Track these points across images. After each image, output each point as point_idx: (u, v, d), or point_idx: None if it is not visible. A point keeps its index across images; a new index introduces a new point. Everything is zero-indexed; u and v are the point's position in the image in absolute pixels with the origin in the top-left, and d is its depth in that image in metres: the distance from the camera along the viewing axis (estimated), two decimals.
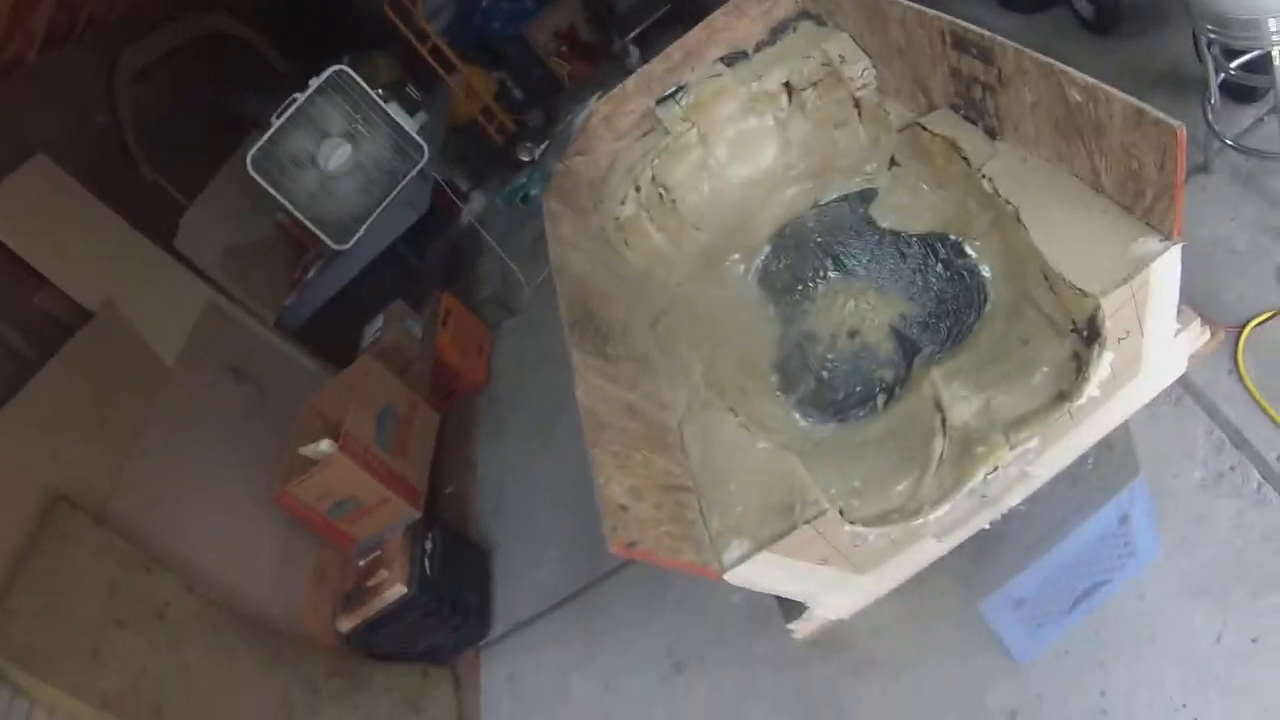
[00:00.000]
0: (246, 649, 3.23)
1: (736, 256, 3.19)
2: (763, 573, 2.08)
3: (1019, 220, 2.16)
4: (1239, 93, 3.04)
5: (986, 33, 2.26)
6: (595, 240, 3.17)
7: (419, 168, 4.99)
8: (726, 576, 2.03)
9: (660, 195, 3.37)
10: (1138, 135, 1.81)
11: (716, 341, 2.89)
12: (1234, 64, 2.83)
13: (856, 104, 3.19)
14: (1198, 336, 2.13)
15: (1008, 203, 2.22)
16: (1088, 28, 3.91)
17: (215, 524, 3.60)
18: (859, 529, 2.11)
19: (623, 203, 3.27)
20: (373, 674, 3.47)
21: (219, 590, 3.32)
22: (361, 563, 3.58)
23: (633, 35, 7.18)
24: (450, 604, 3.57)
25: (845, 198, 3.14)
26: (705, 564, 2.04)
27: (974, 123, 2.54)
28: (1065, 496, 2.31)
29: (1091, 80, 1.91)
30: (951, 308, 2.60)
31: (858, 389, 2.63)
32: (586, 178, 3.45)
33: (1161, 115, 1.71)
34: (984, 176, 2.35)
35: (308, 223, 4.61)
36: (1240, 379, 2.78)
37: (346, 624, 3.38)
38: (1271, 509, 2.58)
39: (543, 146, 3.56)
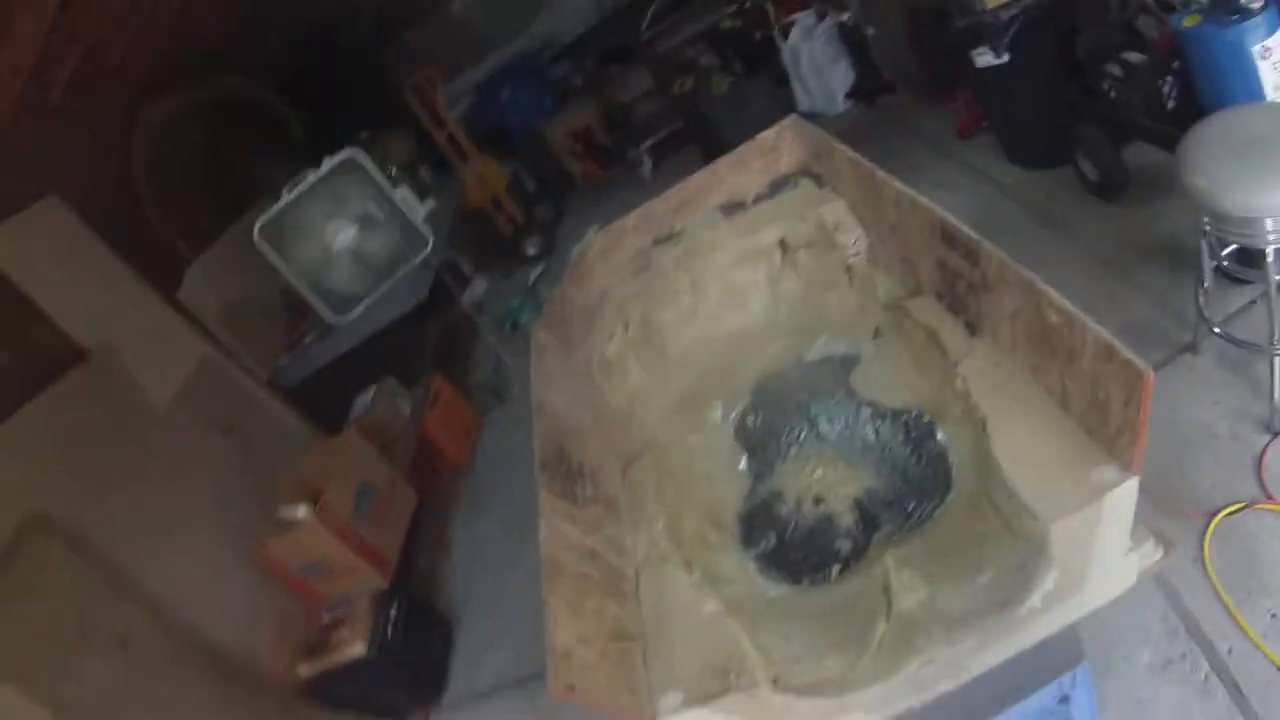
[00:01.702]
0: (204, 685, 3.39)
1: (716, 404, 3.24)
2: None
3: (984, 429, 2.22)
4: (1232, 277, 3.12)
5: (975, 235, 2.34)
6: (578, 375, 3.22)
7: (421, 257, 5.09)
8: None
9: (648, 336, 3.42)
10: (1108, 369, 1.87)
11: (685, 489, 2.93)
12: (1225, 252, 2.91)
13: (848, 270, 3.27)
14: (1149, 556, 2.16)
15: (976, 407, 2.28)
16: (1093, 192, 4.01)
17: (188, 564, 3.74)
18: (790, 699, 2.13)
19: (610, 340, 3.33)
20: None
21: (184, 625, 3.46)
22: (327, 618, 3.69)
23: (647, 145, 7.35)
24: (407, 668, 3.67)
25: (829, 360, 3.20)
26: (639, 711, 2.10)
27: (956, 314, 2.62)
28: (1006, 673, 2.32)
29: (1069, 307, 1.97)
30: (916, 490, 2.64)
31: (814, 556, 2.67)
32: (578, 308, 3.51)
33: (1132, 356, 1.77)
34: (958, 374, 2.41)
35: (308, 293, 4.70)
36: (1204, 568, 2.82)
37: (306, 670, 3.50)
38: (1215, 700, 2.62)
39: (538, 270, 3.61)
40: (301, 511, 3.70)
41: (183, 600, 3.56)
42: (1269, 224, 2.57)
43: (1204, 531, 2.88)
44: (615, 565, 2.54)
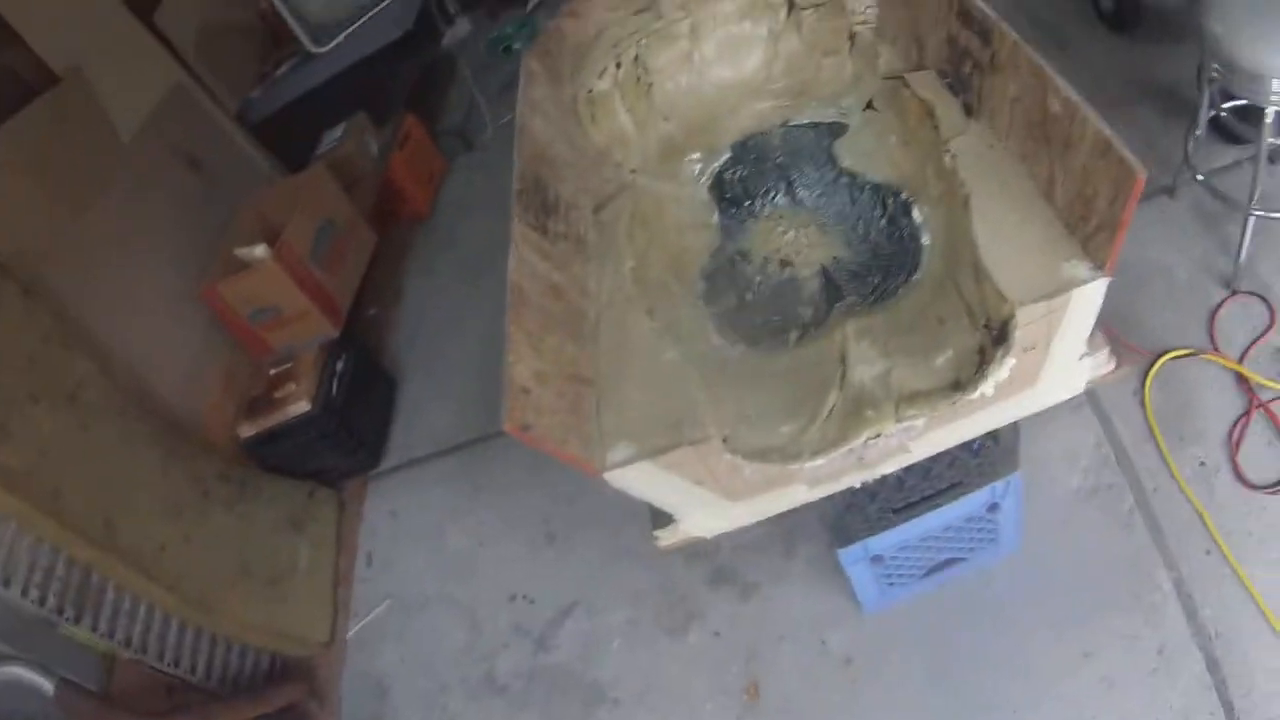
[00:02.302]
0: (149, 442, 3.28)
1: (695, 156, 3.17)
2: (639, 480, 2.15)
3: (966, 205, 2.19)
4: (1225, 132, 3.06)
5: (993, 14, 2.24)
6: (564, 109, 3.12)
7: None
8: (605, 476, 2.10)
9: (638, 77, 3.31)
10: (1100, 164, 1.83)
11: (654, 236, 2.90)
12: (1226, 105, 2.84)
13: (851, 37, 3.15)
14: (1101, 366, 2.19)
15: (962, 184, 2.24)
16: (1104, 20, 3.88)
17: (140, 309, 3.62)
18: (737, 460, 2.17)
19: (599, 76, 3.21)
20: (261, 485, 3.53)
21: (132, 378, 3.36)
22: (273, 372, 3.63)
23: None
24: (349, 429, 3.61)
25: (815, 126, 3.12)
26: (588, 460, 2.09)
27: (955, 94, 2.53)
28: (941, 474, 2.39)
29: (1076, 97, 1.90)
30: (884, 265, 2.63)
31: (775, 319, 2.67)
32: (572, 42, 3.37)
33: (1128, 155, 1.72)
34: (948, 151, 2.36)
35: (289, 17, 4.46)
36: (1142, 404, 2.88)
37: (247, 430, 3.46)
38: (1134, 534, 2.72)
39: (531, 6, 3.44)
40: (260, 250, 3.55)
41: (132, 352, 3.47)
42: (1275, 84, 2.49)
43: (1148, 370, 2.93)
44: (578, 305, 2.52)
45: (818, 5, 3.25)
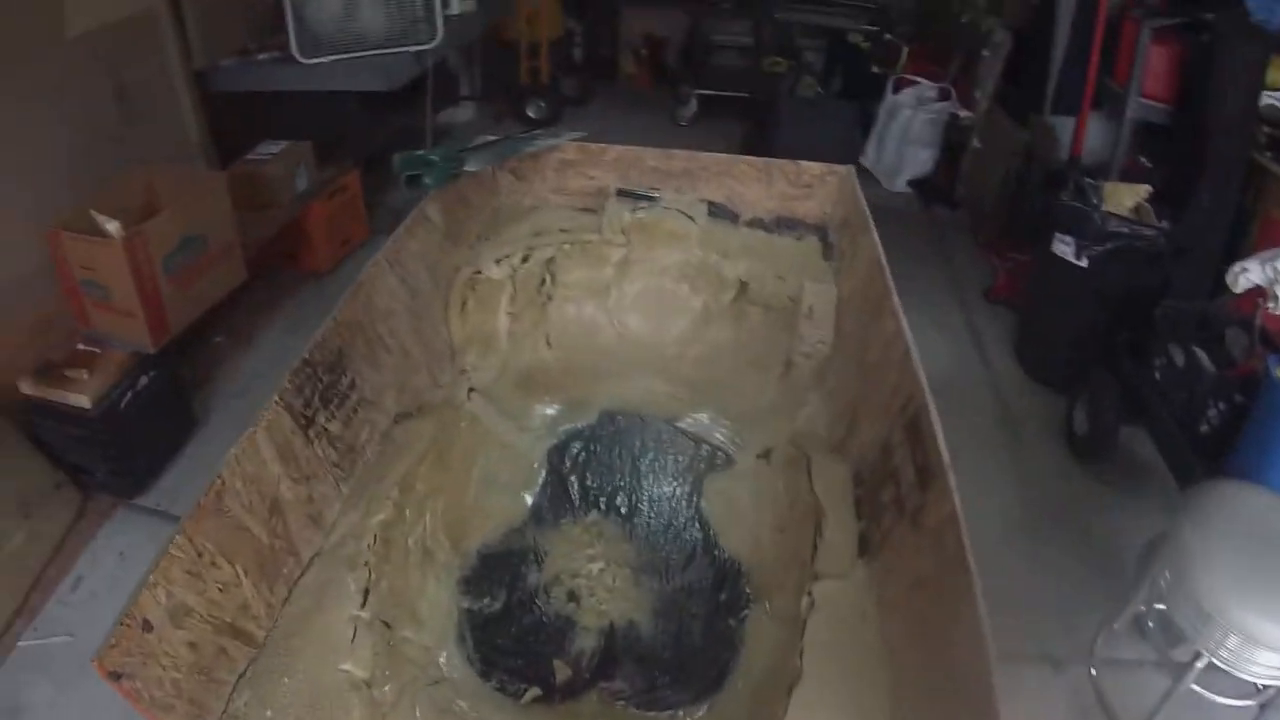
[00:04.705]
0: None
1: (554, 407, 2.63)
2: None
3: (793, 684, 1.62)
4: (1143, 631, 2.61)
5: (945, 457, 1.68)
6: (438, 279, 2.54)
7: (418, 48, 4.41)
8: None
9: (542, 282, 2.77)
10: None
11: (451, 481, 2.27)
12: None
13: (788, 364, 2.66)
14: None
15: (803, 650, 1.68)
16: (1067, 437, 3.67)
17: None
18: None
19: (498, 262, 2.65)
20: (14, 452, 3.09)
21: None
22: (81, 346, 3.19)
23: (703, 92, 6.75)
24: (121, 447, 3.18)
25: (698, 443, 2.59)
26: None
27: (860, 516, 2.00)
28: None
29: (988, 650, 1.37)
30: (679, 664, 2.04)
31: (521, 661, 2.03)
32: (496, 204, 2.84)
33: None
34: (809, 595, 1.80)
35: (290, 14, 3.99)
36: None
37: (26, 388, 3.02)
38: None
39: (477, 141, 2.89)
40: (112, 226, 3.11)
41: None
42: (1230, 640, 2.01)
43: None
44: (297, 537, 1.86)
45: (769, 308, 2.77)
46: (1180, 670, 2.21)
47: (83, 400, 3.00)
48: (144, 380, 3.21)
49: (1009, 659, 1.43)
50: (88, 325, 3.27)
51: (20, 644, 2.95)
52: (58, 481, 3.17)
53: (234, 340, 4.18)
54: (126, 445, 3.20)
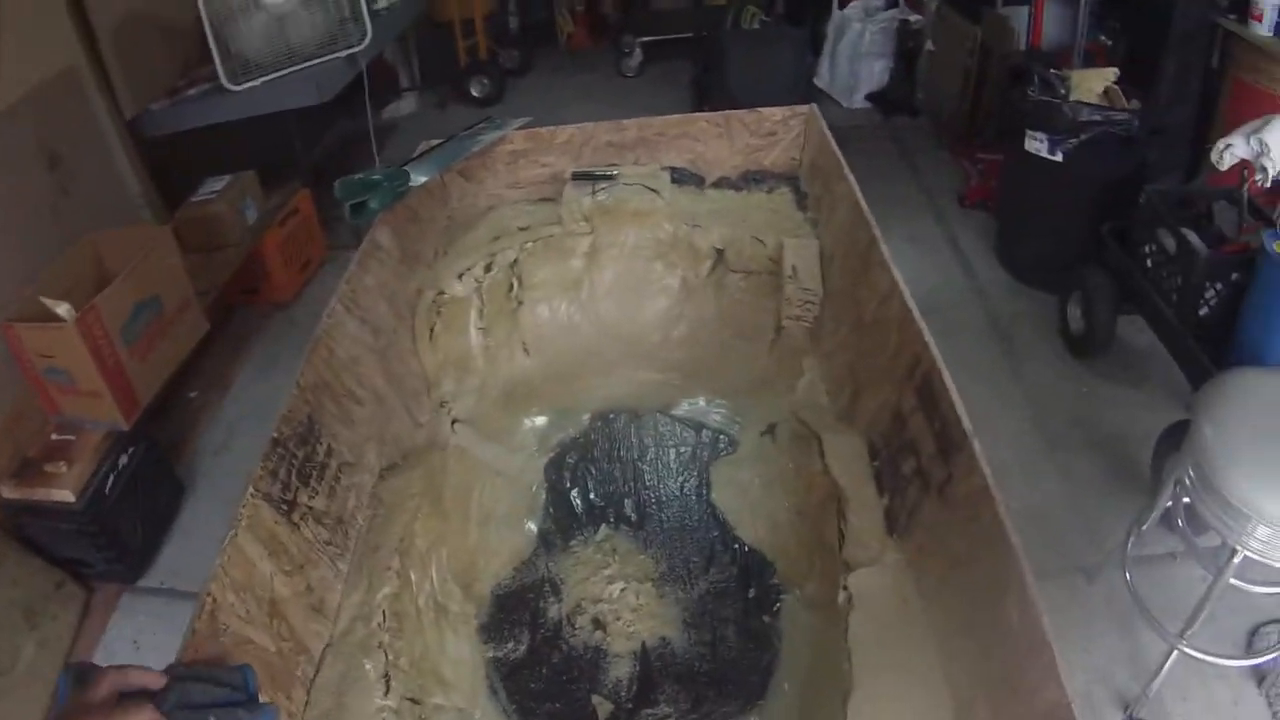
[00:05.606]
0: None
1: (542, 418, 2.51)
2: None
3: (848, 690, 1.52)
4: (1172, 526, 2.52)
5: (967, 425, 1.55)
6: (400, 311, 2.40)
7: (348, 52, 4.23)
8: None
9: (510, 287, 2.63)
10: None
11: (449, 530, 2.13)
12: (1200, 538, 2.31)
13: (778, 329, 2.53)
14: None
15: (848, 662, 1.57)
16: (1068, 342, 3.61)
17: None
18: None
19: (460, 277, 2.50)
20: (6, 559, 2.97)
21: None
22: (54, 437, 3.08)
23: (646, 40, 6.60)
24: (114, 534, 3.07)
25: (699, 428, 2.47)
26: None
27: (881, 493, 1.87)
28: None
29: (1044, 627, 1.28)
30: (721, 676, 1.93)
31: (558, 706, 1.92)
32: (443, 218, 2.70)
33: None
34: (845, 589, 1.70)
35: (213, 42, 3.80)
36: None
37: (9, 490, 2.91)
38: None
39: (420, 150, 2.72)
40: (62, 310, 2.97)
41: None
42: (1260, 531, 1.91)
43: None
44: (299, 636, 1.71)
45: (750, 273, 2.64)
46: (1213, 562, 2.16)
47: (66, 495, 2.90)
48: (124, 459, 3.11)
49: (1039, 577, 1.34)
50: (57, 411, 3.15)
51: None
52: (58, 581, 3.07)
53: (208, 393, 4.04)
54: (118, 530, 3.10)
